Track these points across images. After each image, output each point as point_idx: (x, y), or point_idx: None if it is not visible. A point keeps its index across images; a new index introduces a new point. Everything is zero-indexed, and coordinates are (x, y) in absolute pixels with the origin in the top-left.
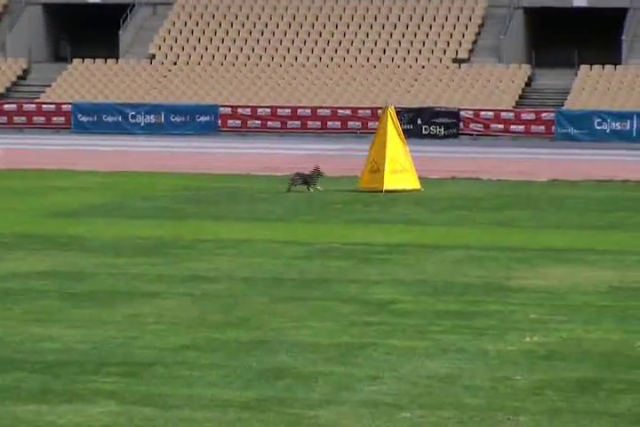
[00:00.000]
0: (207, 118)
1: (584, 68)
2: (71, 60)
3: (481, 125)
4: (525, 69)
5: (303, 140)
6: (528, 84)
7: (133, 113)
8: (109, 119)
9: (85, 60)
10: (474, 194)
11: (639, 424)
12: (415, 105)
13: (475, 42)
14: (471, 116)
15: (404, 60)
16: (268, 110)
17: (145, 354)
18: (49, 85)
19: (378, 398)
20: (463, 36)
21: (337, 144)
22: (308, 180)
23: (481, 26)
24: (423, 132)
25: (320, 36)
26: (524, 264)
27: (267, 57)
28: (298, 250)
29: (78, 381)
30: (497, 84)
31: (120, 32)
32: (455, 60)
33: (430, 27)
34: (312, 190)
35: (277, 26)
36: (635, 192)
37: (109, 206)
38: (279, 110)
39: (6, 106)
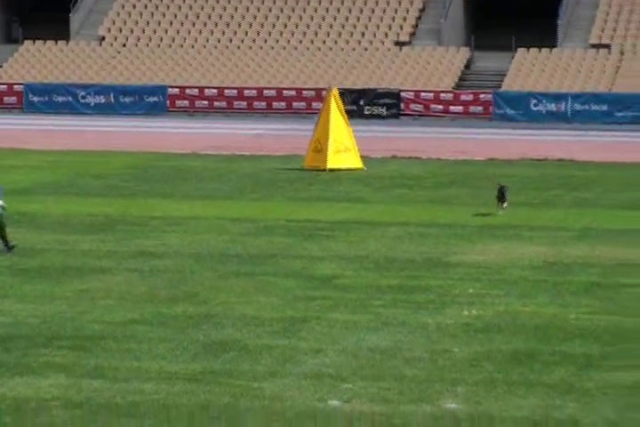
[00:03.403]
0: (156, 99)
1: (521, 51)
2: (22, 42)
3: (421, 106)
4: (464, 52)
5: (249, 119)
6: (467, 67)
7: (84, 93)
8: (60, 99)
9: (36, 41)
10: (414, 172)
11: (572, 394)
12: (358, 86)
13: (416, 25)
14: (412, 98)
15: (348, 42)
16: (215, 91)
17: (94, 328)
18: (1, 66)
19: (320, 370)
20: (405, 19)
21: (282, 124)
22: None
23: (422, 10)
24: (365, 112)
25: (266, 19)
26: (462, 240)
27: (213, 39)
28: (244, 227)
29: (29, 354)
30: (437, 66)
31: (70, 14)
32: (397, 43)
33: (373, 11)
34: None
35: (224, 9)
36: (568, 171)
37: (60, 184)
38: (226, 91)
39: None
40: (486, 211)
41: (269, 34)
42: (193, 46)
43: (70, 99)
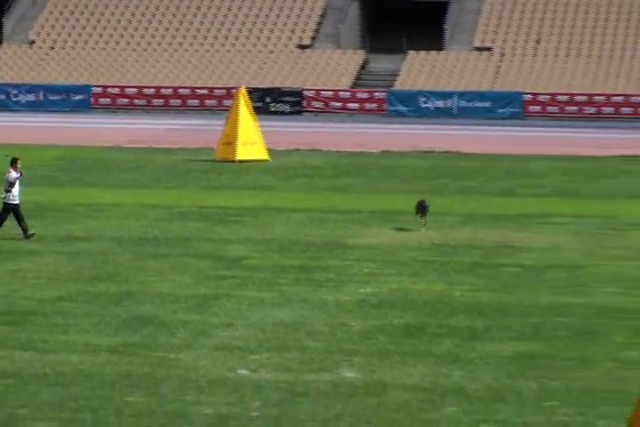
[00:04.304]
0: (81, 97)
1: (411, 53)
2: None
3: (321, 103)
4: (360, 54)
5: (166, 116)
6: (363, 67)
7: (15, 92)
8: None
9: None
10: (315, 163)
11: (457, 363)
12: (264, 86)
13: (316, 30)
14: (313, 96)
15: (255, 46)
16: (135, 90)
17: (25, 305)
18: None
19: (230, 343)
20: (306, 24)
21: (196, 120)
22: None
23: (322, 16)
24: (271, 109)
25: (181, 24)
26: (358, 225)
27: (134, 42)
28: (161, 213)
29: None
30: (336, 67)
31: (4, 20)
32: (299, 46)
33: (278, 16)
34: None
35: (143, 15)
36: (454, 161)
37: None
38: (144, 90)
39: None
40: (380, 198)
41: (184, 37)
42: (114, 49)
43: (3, 97)
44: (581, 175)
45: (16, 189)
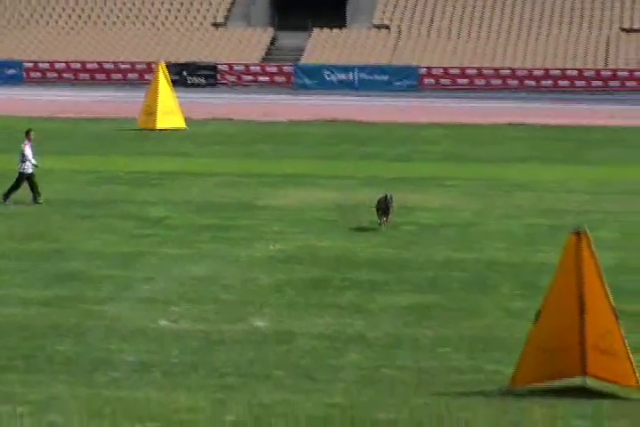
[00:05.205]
0: (13, 71)
1: (316, 30)
2: None
3: (234, 77)
4: (270, 32)
5: (92, 88)
6: (272, 44)
7: None
8: None
9: None
10: (229, 132)
11: (359, 314)
12: (181, 60)
13: (229, 9)
14: (227, 70)
15: (173, 24)
16: (63, 65)
17: None
18: None
19: (152, 296)
20: (220, 4)
21: (119, 92)
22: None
23: None
24: (188, 82)
25: (105, 4)
26: (268, 188)
27: (62, 21)
28: (88, 177)
29: None
30: (247, 43)
31: None
32: (214, 24)
33: None
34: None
35: None
36: (356, 130)
37: None
38: (72, 65)
39: None
40: (288, 163)
41: (108, 17)
42: (45, 26)
43: None
44: (471, 141)
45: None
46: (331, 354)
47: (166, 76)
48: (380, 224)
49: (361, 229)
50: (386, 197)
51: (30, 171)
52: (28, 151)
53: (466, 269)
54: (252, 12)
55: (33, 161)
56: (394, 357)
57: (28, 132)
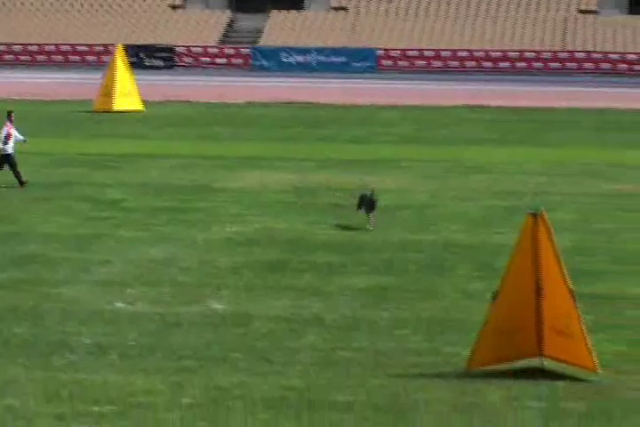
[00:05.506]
0: None
1: (274, 12)
2: None
3: (192, 59)
4: (227, 14)
5: (49, 71)
6: (230, 26)
7: None
8: None
9: None
10: (186, 114)
11: (317, 296)
12: (139, 42)
13: None
14: (184, 52)
15: (131, 6)
16: (20, 47)
17: None
18: None
19: (109, 278)
20: None
21: (77, 74)
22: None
23: None
24: (145, 64)
25: None
26: (225, 170)
27: (19, 2)
28: (44, 160)
29: None
30: (205, 25)
31: None
32: (171, 6)
33: None
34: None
35: None
36: (313, 112)
37: None
38: (29, 47)
39: None
40: (245, 145)
41: None
42: (1, 9)
43: None
44: (428, 123)
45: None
46: (288, 336)
47: (124, 59)
48: (369, 222)
49: (318, 212)
50: (371, 193)
51: (10, 151)
52: (13, 132)
53: (423, 251)
54: None
55: (21, 137)
56: (351, 339)
57: (9, 114)
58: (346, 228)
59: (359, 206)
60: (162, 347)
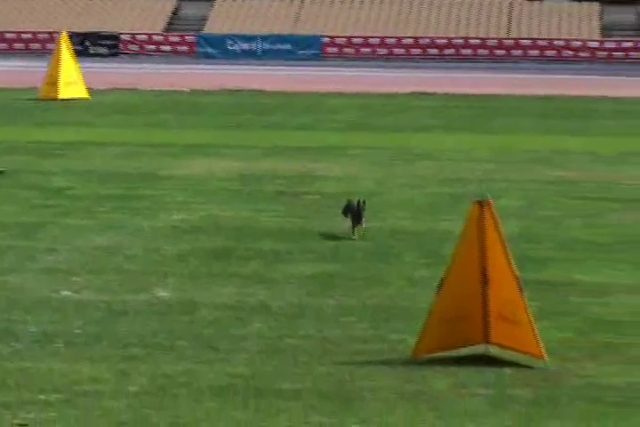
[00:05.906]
0: None
1: (219, 0)
2: None
3: (137, 47)
4: (172, 1)
5: None
6: (175, 13)
7: None
8: None
9: None
10: (132, 101)
11: (263, 284)
12: (84, 30)
13: None
14: (129, 39)
15: None
16: None
17: None
18: None
19: (54, 266)
20: None
21: (21, 62)
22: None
23: None
24: (90, 51)
25: None
26: (171, 158)
27: None
28: None
29: None
30: (150, 13)
31: None
32: None
33: None
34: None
35: None
36: (259, 99)
37: None
38: None
39: None
40: (191, 132)
41: None
42: None
43: None
44: (375, 110)
45: None
46: (234, 324)
47: (68, 46)
48: (353, 233)
49: (264, 199)
50: (358, 202)
51: None
52: None
53: (368, 239)
54: None
55: None
56: (297, 326)
57: None
58: (292, 215)
59: (345, 213)
60: (108, 335)
